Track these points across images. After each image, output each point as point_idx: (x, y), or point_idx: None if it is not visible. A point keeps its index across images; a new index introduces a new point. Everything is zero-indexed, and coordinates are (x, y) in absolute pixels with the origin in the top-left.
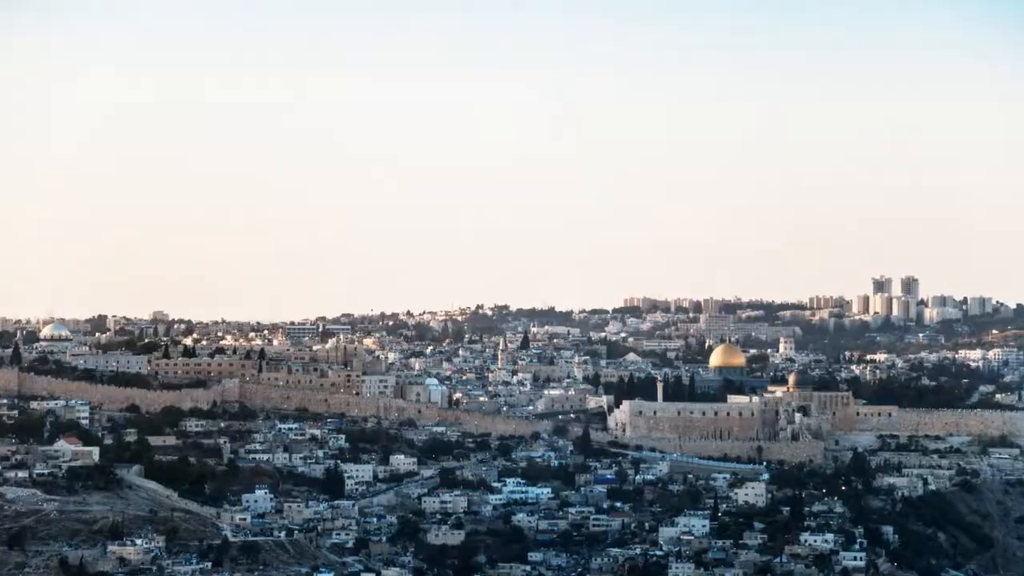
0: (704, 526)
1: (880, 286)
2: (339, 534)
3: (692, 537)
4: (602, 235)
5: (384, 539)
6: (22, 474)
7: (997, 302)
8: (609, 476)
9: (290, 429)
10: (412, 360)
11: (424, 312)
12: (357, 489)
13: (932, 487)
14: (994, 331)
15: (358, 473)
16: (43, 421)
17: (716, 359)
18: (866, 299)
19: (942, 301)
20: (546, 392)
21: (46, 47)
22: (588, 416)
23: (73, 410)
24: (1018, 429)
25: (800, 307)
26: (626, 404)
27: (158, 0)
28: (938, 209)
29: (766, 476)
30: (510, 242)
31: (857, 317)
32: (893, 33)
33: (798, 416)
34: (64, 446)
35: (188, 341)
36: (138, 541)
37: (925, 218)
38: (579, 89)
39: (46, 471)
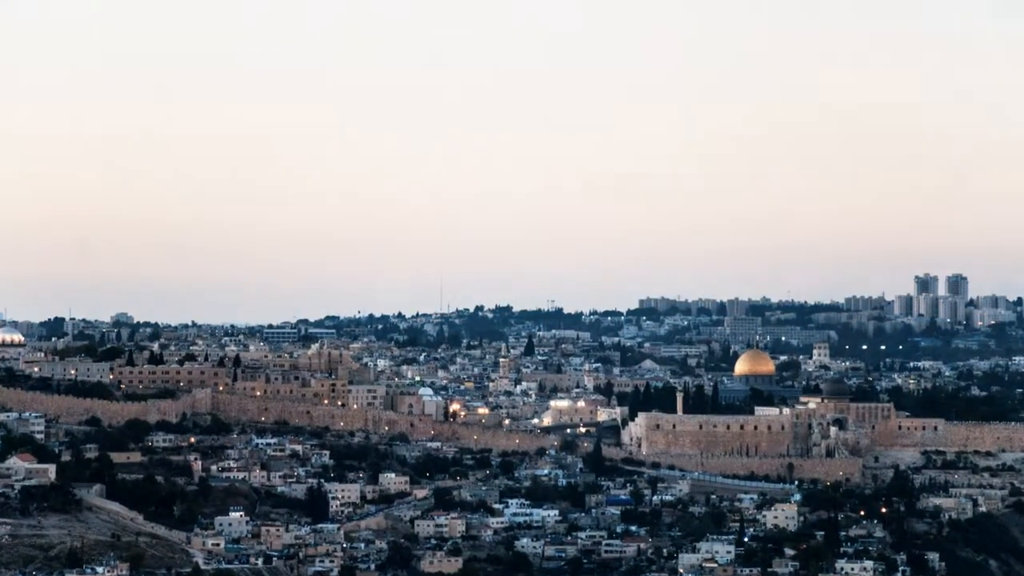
0: (729, 552)
1: (924, 285)
2: (323, 561)
3: (716, 564)
4: (616, 229)
5: (373, 567)
6: None
7: None
8: (623, 497)
9: (268, 444)
10: (404, 368)
11: (417, 314)
12: (343, 511)
13: (982, 509)
14: None
15: (344, 493)
16: None
17: (742, 366)
18: (909, 299)
19: (993, 302)
20: (553, 403)
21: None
22: (600, 430)
23: (27, 423)
24: None
25: (836, 308)
26: (642, 417)
27: None
28: (988, 201)
29: (798, 497)
30: (513, 236)
31: (899, 320)
32: (950, 28)
33: (833, 430)
34: (17, 463)
35: (155, 347)
36: (99, 569)
37: (974, 210)
38: (589, 69)
39: None
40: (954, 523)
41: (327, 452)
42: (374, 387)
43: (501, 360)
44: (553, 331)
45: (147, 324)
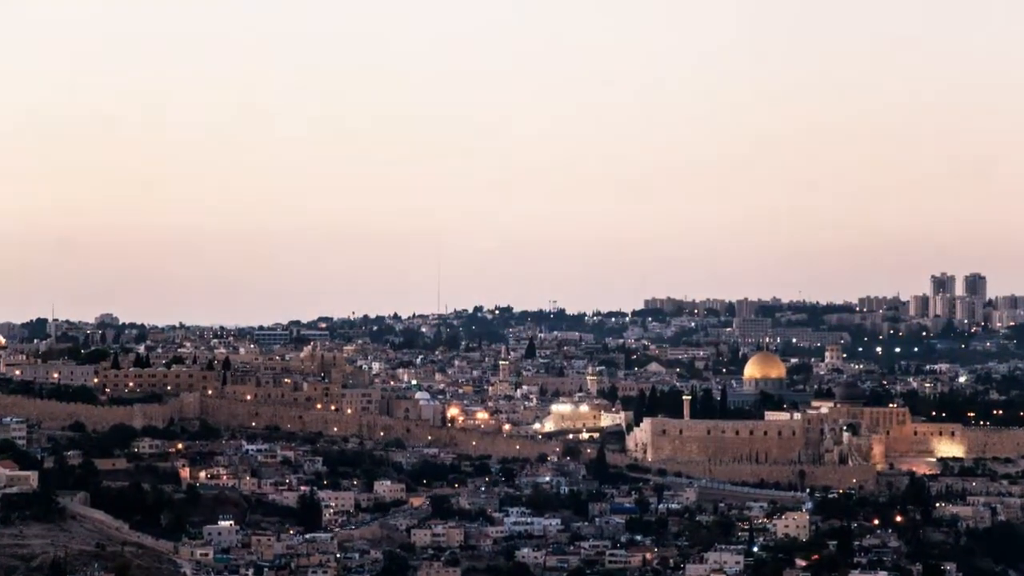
0: (738, 562)
1: (941, 285)
2: (315, 572)
3: (724, 575)
4: (620, 227)
5: None
6: None
7: None
8: (628, 505)
9: (259, 451)
10: (400, 371)
11: (414, 315)
12: (336, 520)
13: (1001, 517)
14: None
15: (337, 501)
16: None
17: (751, 369)
18: (925, 300)
19: (1013, 302)
20: (555, 408)
21: None
22: (604, 435)
23: (8, 428)
24: None
25: (848, 309)
26: (647, 422)
27: None
28: (1007, 198)
29: (809, 505)
30: (513, 234)
31: (914, 321)
32: (970, 26)
33: (846, 435)
34: None
35: (141, 349)
36: None
37: (992, 208)
38: (591, 68)
39: None
40: (972, 532)
41: (320, 458)
42: (369, 391)
43: (501, 363)
44: (555, 332)
45: (133, 325)
